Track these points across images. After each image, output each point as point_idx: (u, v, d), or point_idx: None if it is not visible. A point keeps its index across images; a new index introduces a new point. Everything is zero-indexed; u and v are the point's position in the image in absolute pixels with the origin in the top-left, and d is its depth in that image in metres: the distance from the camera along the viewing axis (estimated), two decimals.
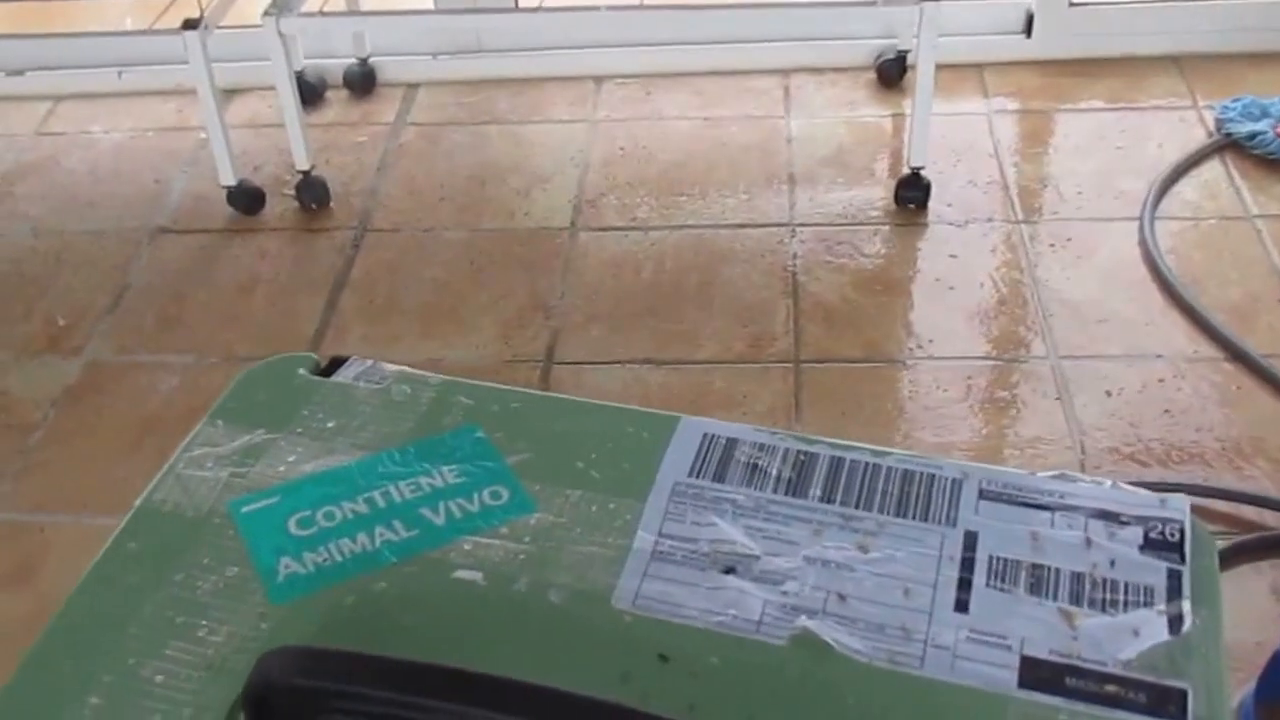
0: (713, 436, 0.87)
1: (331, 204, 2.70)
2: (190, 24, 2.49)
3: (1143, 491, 0.82)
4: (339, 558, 0.80)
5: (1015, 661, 0.73)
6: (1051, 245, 2.48)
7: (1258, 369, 2.21)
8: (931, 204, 2.59)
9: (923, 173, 2.57)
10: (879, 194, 2.62)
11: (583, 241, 2.56)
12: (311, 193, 2.66)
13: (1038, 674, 0.72)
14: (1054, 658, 0.73)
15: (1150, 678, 0.72)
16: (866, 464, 0.84)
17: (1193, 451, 2.07)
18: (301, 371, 0.94)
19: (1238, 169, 2.65)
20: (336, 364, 0.94)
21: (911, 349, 2.27)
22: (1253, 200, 2.57)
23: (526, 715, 0.62)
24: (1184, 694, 0.71)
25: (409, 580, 0.79)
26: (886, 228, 2.55)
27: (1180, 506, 0.80)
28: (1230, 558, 1.91)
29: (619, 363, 2.27)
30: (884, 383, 2.21)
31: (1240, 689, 1.70)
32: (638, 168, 2.74)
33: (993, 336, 2.28)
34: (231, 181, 2.65)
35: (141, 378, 2.33)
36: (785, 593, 0.77)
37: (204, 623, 0.76)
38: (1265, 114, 2.68)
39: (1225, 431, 2.11)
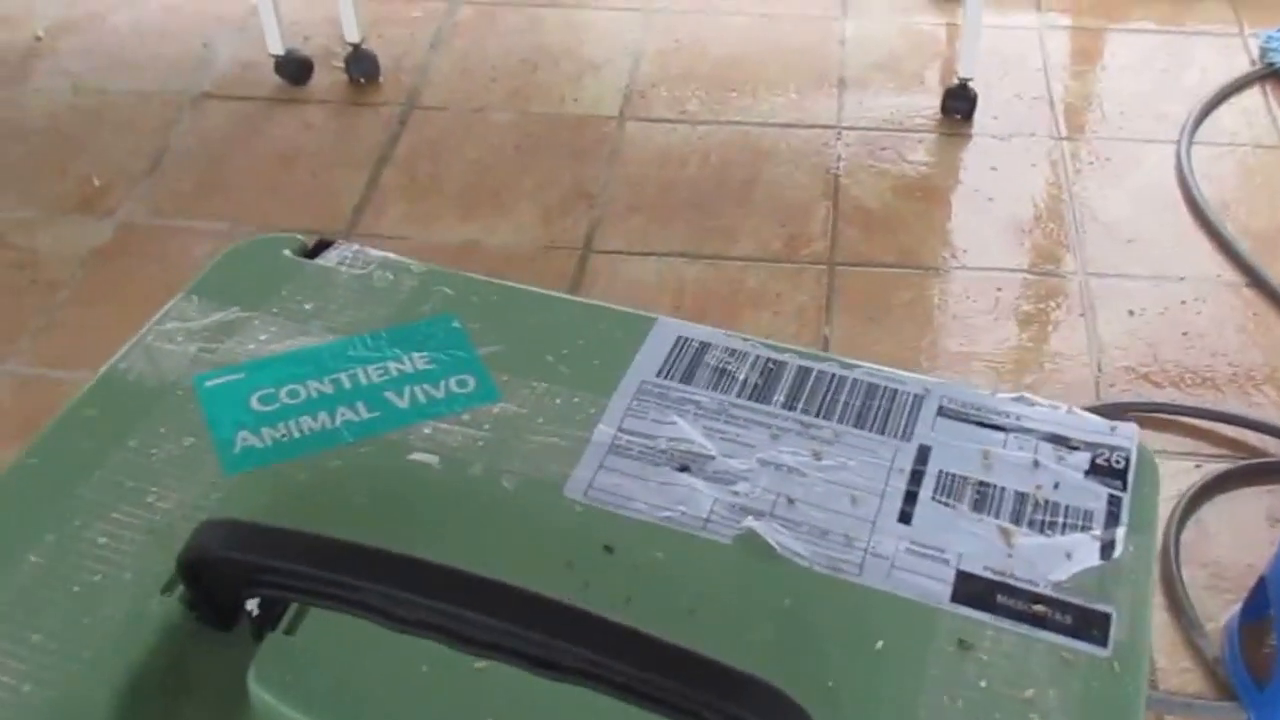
0: (686, 339, 0.86)
1: (381, 79, 2.68)
2: None
3: (1095, 418, 0.81)
4: (297, 434, 0.80)
5: (950, 576, 0.73)
6: (1091, 163, 2.46)
7: (1276, 297, 2.20)
8: (977, 115, 2.57)
9: (970, 84, 2.54)
10: (927, 102, 2.60)
11: (630, 131, 2.55)
12: (360, 66, 2.65)
13: (970, 589, 0.72)
14: (988, 574, 0.73)
15: (1077, 600, 0.72)
16: (832, 375, 0.84)
17: (1205, 375, 2.07)
18: (286, 252, 0.94)
19: (1277, 99, 2.62)
20: (322, 247, 0.94)
21: (945, 258, 2.26)
22: None
23: (447, 599, 0.62)
24: (1108, 618, 0.71)
25: (364, 459, 0.79)
26: (932, 136, 2.54)
27: (1129, 435, 0.80)
28: (1231, 481, 1.93)
29: (655, 254, 2.27)
30: (915, 289, 2.21)
31: (1229, 609, 1.70)
32: (690, 61, 2.72)
33: (1026, 250, 2.27)
34: (280, 50, 2.64)
35: (174, 242, 2.34)
36: (736, 493, 0.77)
37: (154, 489, 0.76)
38: None
39: (1239, 357, 2.11)
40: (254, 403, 0.81)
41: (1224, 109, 2.59)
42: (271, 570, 0.65)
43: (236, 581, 0.66)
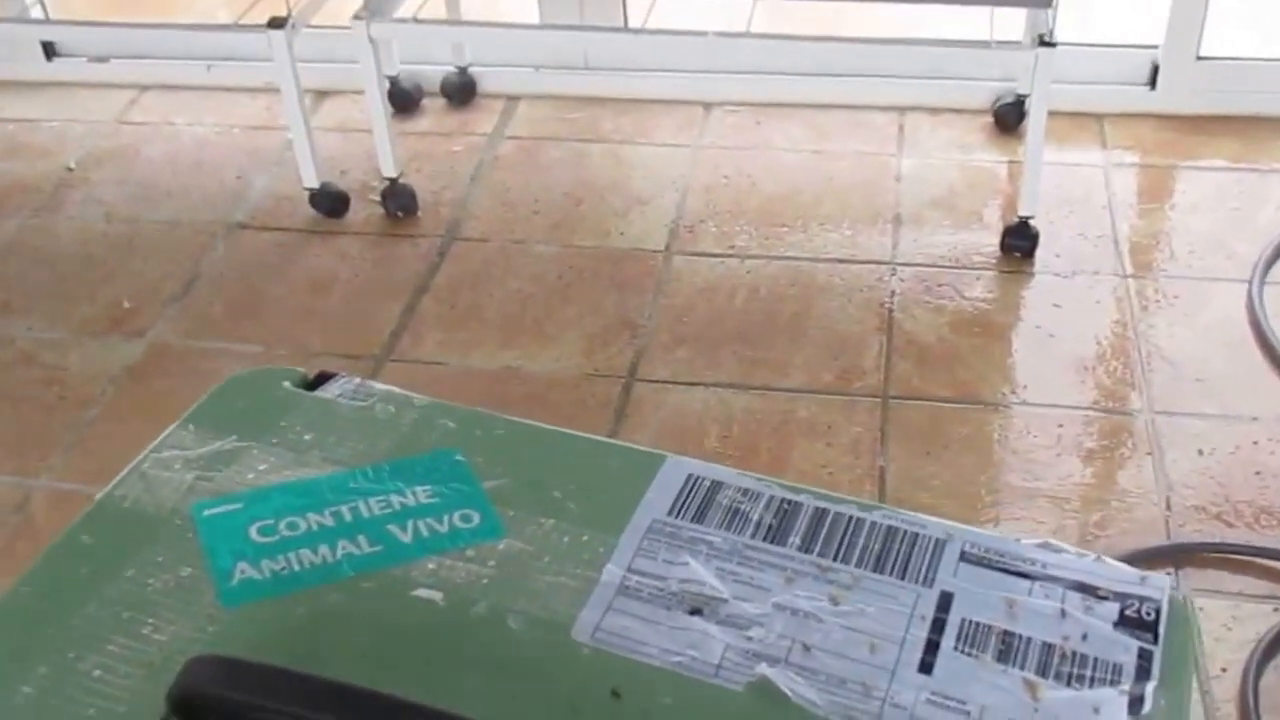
0: (697, 478, 0.87)
1: (419, 213, 2.72)
2: (276, 22, 2.51)
3: (1125, 567, 0.81)
4: (297, 567, 0.80)
5: None
6: (1158, 301, 2.46)
7: None
8: (1039, 253, 2.57)
9: (1032, 222, 2.55)
10: (986, 239, 2.61)
11: (677, 265, 2.57)
12: (398, 200, 2.69)
13: None
14: None
15: None
16: (850, 517, 0.84)
17: None
18: (285, 384, 0.95)
19: None
20: (323, 379, 0.95)
21: (1005, 393, 2.26)
22: None
23: None
24: None
25: (366, 595, 0.79)
26: (990, 274, 2.54)
27: (1159, 585, 0.79)
28: None
29: (703, 384, 2.28)
30: (973, 425, 2.21)
31: None
32: (740, 196, 2.75)
33: (1089, 387, 2.27)
34: (315, 184, 2.67)
35: (206, 363, 2.37)
36: (749, 638, 0.77)
37: (150, 621, 0.77)
38: None
39: None
40: (253, 534, 0.82)
41: None
42: (263, 710, 0.65)
43: (228, 718, 0.67)
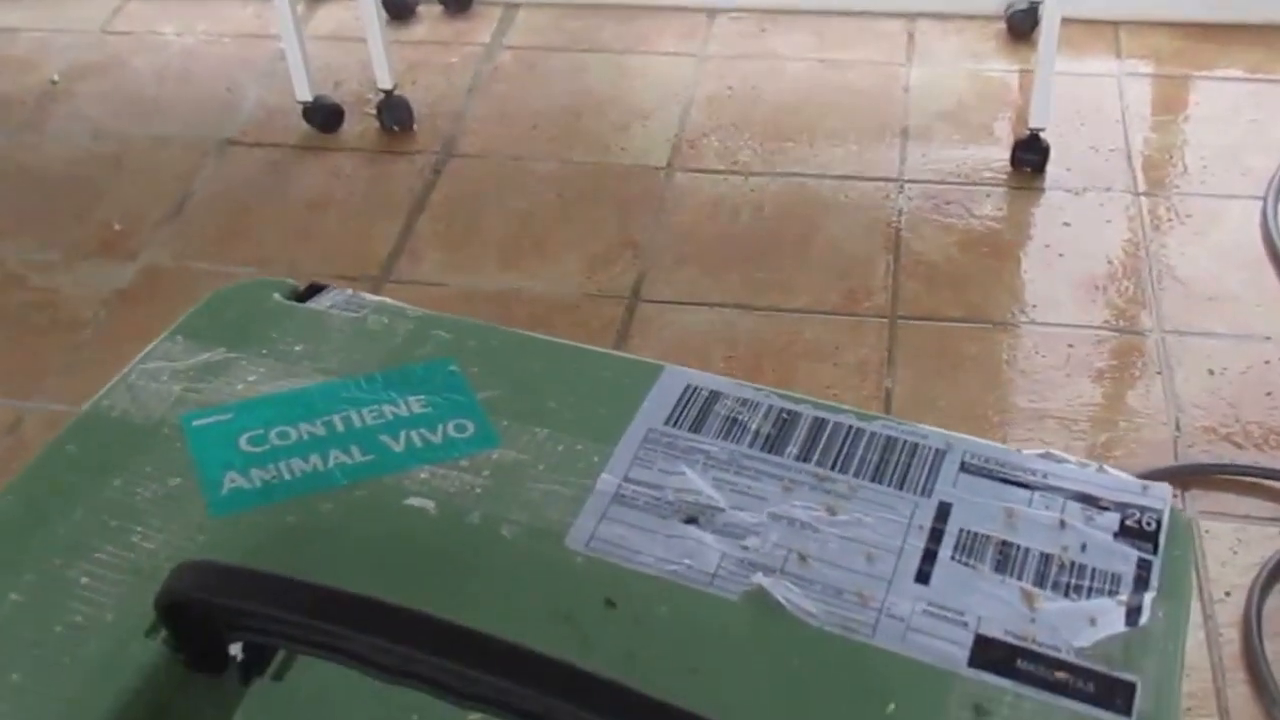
0: (695, 388, 0.87)
1: (415, 126, 2.71)
2: None
3: (1126, 477, 0.81)
4: (287, 476, 0.81)
5: (969, 639, 0.73)
6: (1170, 220, 2.46)
7: None
8: (1050, 168, 2.58)
9: (1043, 135, 2.56)
10: (996, 154, 2.61)
11: (679, 182, 2.57)
12: (393, 114, 2.68)
13: (989, 654, 0.73)
14: (1008, 638, 0.73)
15: (1101, 668, 0.72)
16: (849, 427, 0.85)
17: None
18: (276, 296, 0.95)
19: None
20: (314, 291, 0.95)
21: (1014, 313, 2.27)
22: None
23: (436, 651, 0.63)
24: (1133, 687, 0.71)
25: (357, 503, 0.80)
26: (1000, 190, 2.54)
27: (1161, 495, 0.80)
28: None
29: (707, 305, 2.29)
30: (981, 344, 2.22)
31: None
32: (744, 109, 2.74)
33: (1099, 306, 2.28)
34: (308, 96, 2.67)
35: (199, 285, 2.36)
36: (745, 548, 0.78)
37: (138, 529, 0.78)
38: None
39: None
40: (243, 444, 0.83)
41: None
42: (250, 615, 0.66)
43: (217, 625, 0.68)
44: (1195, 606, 1.84)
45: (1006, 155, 2.59)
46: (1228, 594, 1.87)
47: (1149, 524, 0.79)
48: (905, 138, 2.66)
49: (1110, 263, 2.37)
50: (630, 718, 0.61)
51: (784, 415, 0.85)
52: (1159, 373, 2.17)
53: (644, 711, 0.61)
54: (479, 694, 0.63)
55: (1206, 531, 1.95)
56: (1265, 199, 2.49)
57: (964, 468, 0.82)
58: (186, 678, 0.71)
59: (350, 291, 0.95)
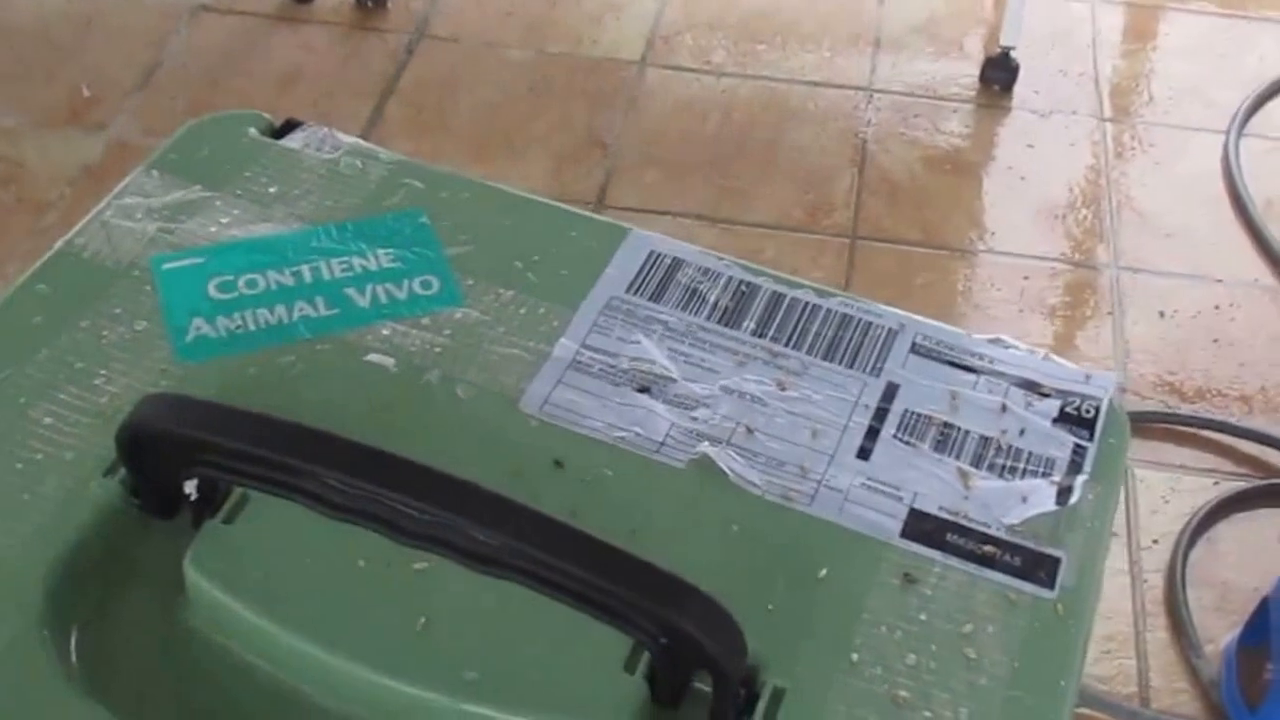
0: (659, 255, 0.89)
1: (389, 3, 2.70)
2: None
3: (1071, 365, 0.85)
4: (252, 327, 0.83)
5: (903, 513, 0.76)
6: (1133, 149, 2.48)
7: None
8: (1018, 88, 2.59)
9: (1013, 54, 2.56)
10: (966, 70, 2.62)
11: (650, 79, 2.57)
12: None
13: (921, 526, 0.76)
14: (942, 513, 0.77)
15: (1029, 543, 0.76)
16: (806, 303, 0.87)
17: (1234, 387, 2.10)
18: (251, 131, 0.97)
19: None
20: (289, 127, 0.97)
21: (972, 239, 2.29)
22: None
23: (389, 486, 0.66)
24: (1057, 562, 0.75)
25: (318, 357, 0.82)
26: (968, 107, 2.56)
27: (1104, 384, 0.83)
28: (1248, 501, 1.96)
29: (670, 214, 2.30)
30: (938, 271, 2.23)
31: (1230, 632, 1.74)
32: (720, 8, 2.74)
33: (1057, 236, 2.30)
34: None
35: None
36: (695, 418, 0.80)
37: (102, 372, 0.80)
38: None
39: (1270, 371, 2.13)
40: (211, 290, 0.85)
41: (1278, 101, 2.61)
42: (210, 448, 0.68)
43: (175, 459, 0.70)
44: (1121, 551, 1.88)
45: (976, 72, 2.60)
46: (1155, 541, 1.90)
47: (1088, 412, 0.82)
48: (877, 47, 2.67)
49: (1071, 190, 2.39)
50: (579, 560, 0.64)
51: (743, 288, 0.88)
52: (1110, 313, 2.19)
53: (587, 552, 0.64)
54: (428, 533, 0.65)
55: (1141, 480, 1.97)
56: (1228, 133, 2.51)
57: (914, 349, 0.85)
58: (140, 519, 0.74)
59: (325, 129, 0.96)
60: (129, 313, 0.83)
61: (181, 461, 0.70)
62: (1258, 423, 2.04)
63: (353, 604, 0.71)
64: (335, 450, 0.67)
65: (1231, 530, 1.92)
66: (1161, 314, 2.19)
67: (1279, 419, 2.05)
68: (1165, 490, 1.95)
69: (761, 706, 0.68)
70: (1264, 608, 1.72)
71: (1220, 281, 2.25)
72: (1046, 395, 0.83)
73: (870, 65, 2.62)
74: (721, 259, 0.90)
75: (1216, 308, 2.21)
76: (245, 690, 0.70)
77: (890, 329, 0.86)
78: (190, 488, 0.73)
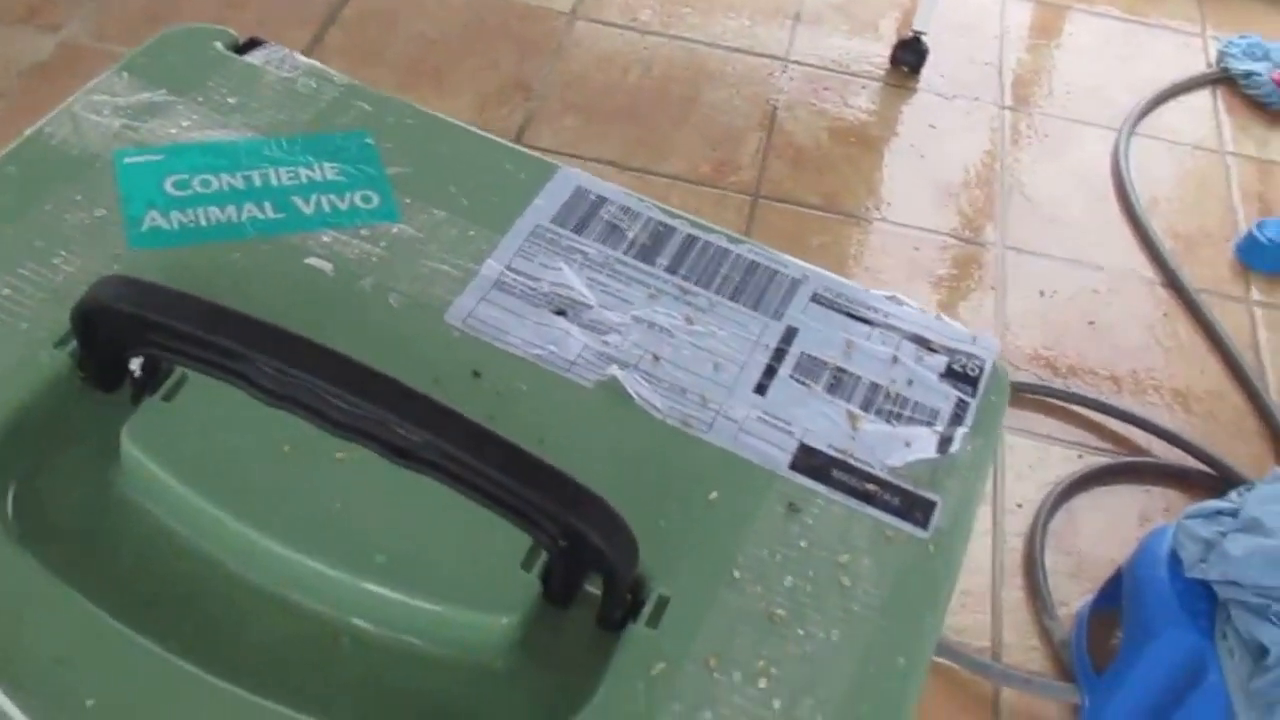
0: (585, 190, 0.92)
1: None
2: None
3: (960, 327, 0.87)
4: (203, 222, 0.85)
5: (793, 446, 0.79)
6: (1029, 137, 2.53)
7: (1188, 300, 2.28)
8: (925, 71, 2.62)
9: (924, 38, 2.60)
10: (878, 50, 2.66)
11: (579, 30, 2.59)
12: None
13: (809, 461, 0.79)
14: (829, 451, 0.79)
15: (908, 485, 0.79)
16: (718, 247, 0.90)
17: (1105, 367, 2.15)
18: (217, 45, 0.98)
19: (1226, 104, 2.70)
20: (252, 45, 0.99)
21: (868, 207, 2.32)
22: (1231, 137, 2.62)
23: (321, 375, 0.68)
24: (933, 505, 0.78)
25: (262, 256, 0.84)
26: (876, 85, 2.59)
27: (989, 346, 0.86)
28: (1110, 476, 2.01)
29: (583, 159, 2.31)
30: (834, 234, 2.26)
31: (1083, 598, 1.79)
32: None
33: (949, 212, 2.34)
34: None
35: None
36: (606, 343, 0.83)
37: (61, 252, 0.82)
38: (1266, 57, 2.72)
39: (1141, 355, 2.18)
40: (168, 186, 0.86)
41: (1172, 105, 2.66)
42: (158, 328, 0.70)
43: (124, 337, 0.72)
44: (986, 512, 1.92)
45: (887, 53, 2.64)
46: (1019, 505, 1.95)
47: (973, 370, 0.85)
48: (797, 21, 2.70)
49: (967, 170, 2.43)
50: (493, 460, 0.66)
51: (660, 228, 0.90)
52: (993, 288, 2.23)
53: (506, 456, 0.66)
54: (352, 423, 0.67)
55: (1010, 446, 2.02)
56: (1120, 131, 2.56)
57: (815, 298, 0.88)
58: (83, 391, 0.76)
59: (285, 50, 0.98)
60: (89, 200, 0.85)
61: (130, 339, 0.72)
62: (1125, 402, 2.10)
63: (275, 484, 0.73)
64: (274, 339, 0.69)
65: (1092, 502, 1.97)
66: (1042, 293, 2.24)
67: (1146, 400, 2.11)
68: (1033, 458, 2.00)
69: (646, 612, 0.71)
70: (1118, 577, 1.77)
71: (1101, 268, 2.30)
72: (935, 351, 0.86)
73: (788, 37, 2.64)
74: (642, 200, 0.92)
75: (1095, 291, 2.25)
76: (168, 556, 0.72)
77: (794, 279, 0.89)
78: (135, 365, 0.75)
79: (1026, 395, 2.11)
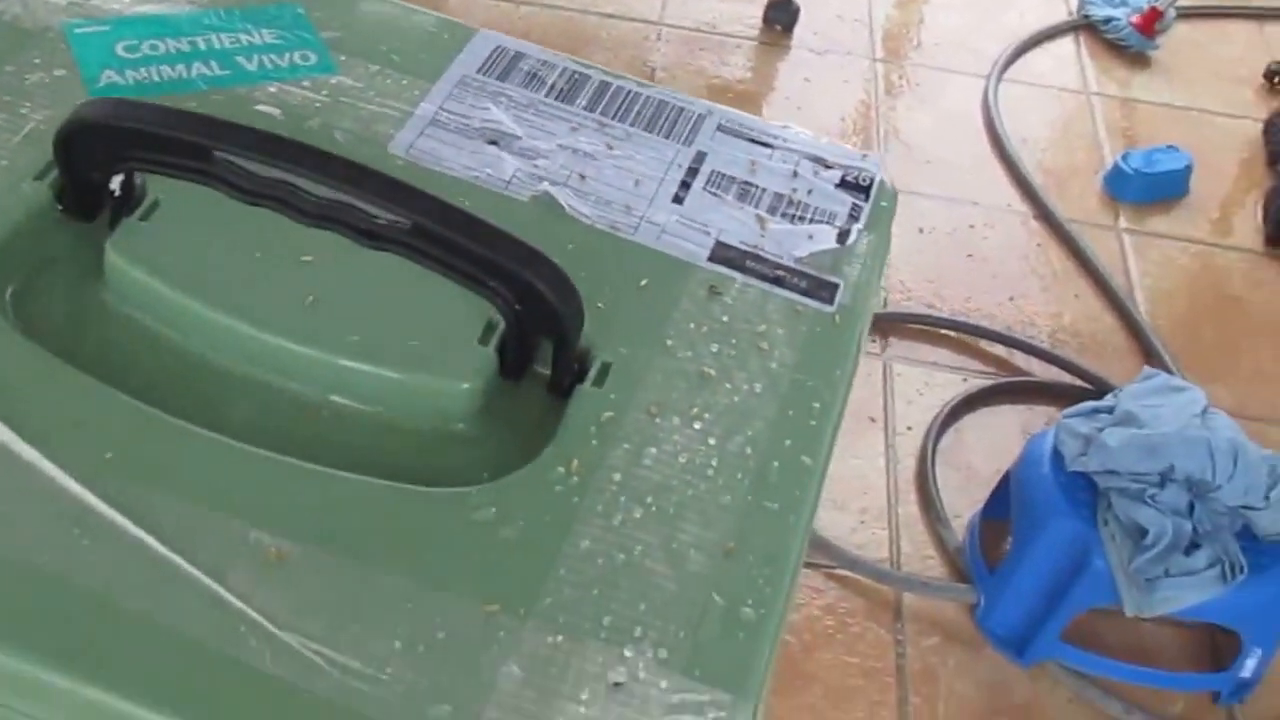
0: (504, 48, 1.03)
1: None
2: None
3: (850, 147, 1.00)
4: (157, 79, 0.95)
5: (710, 244, 0.91)
6: (901, 87, 2.67)
7: (1059, 230, 2.44)
8: (798, 30, 2.76)
9: None
10: (750, 11, 2.78)
11: (452, 5, 2.69)
12: None
13: (725, 254, 0.90)
14: (742, 246, 0.91)
15: (813, 271, 0.90)
16: (630, 90, 1.01)
17: (984, 296, 2.31)
18: None
19: (1088, 48, 2.88)
20: None
21: None
22: (1094, 79, 2.79)
23: (295, 163, 0.78)
24: (836, 286, 0.90)
25: (214, 104, 0.94)
26: (750, 44, 2.72)
27: (876, 162, 0.98)
28: (993, 396, 2.17)
29: None
30: None
31: (974, 508, 1.93)
32: None
33: None
34: None
35: None
36: (537, 166, 0.94)
37: (27, 104, 0.91)
38: (1124, 3, 2.89)
39: (1018, 283, 2.34)
40: (119, 50, 0.96)
41: (1036, 52, 2.83)
42: (142, 137, 0.80)
43: (109, 153, 0.82)
44: (879, 436, 2.07)
45: (760, 14, 2.76)
46: (909, 428, 2.10)
47: (864, 180, 0.97)
48: None
49: (843, 120, 2.56)
50: (459, 229, 0.77)
51: (577, 76, 1.02)
52: None
53: (470, 225, 0.77)
54: (325, 213, 0.78)
55: (898, 374, 2.17)
56: (989, 78, 2.71)
57: (720, 128, 0.99)
58: (64, 221, 0.86)
59: None
60: (47, 63, 0.94)
61: (112, 155, 0.82)
62: (1004, 326, 2.23)
63: (250, 282, 0.83)
64: (252, 135, 0.80)
65: (977, 421, 2.12)
66: (921, 230, 2.38)
67: (1024, 325, 2.25)
68: (920, 384, 2.14)
69: (592, 374, 0.82)
70: (1005, 486, 1.91)
71: (976, 204, 2.46)
72: (830, 167, 0.98)
73: (661, 2, 2.76)
74: (558, 55, 1.03)
75: (971, 227, 2.40)
76: (158, 354, 0.82)
77: (700, 113, 1.00)
78: (115, 184, 0.84)
79: (911, 325, 2.25)
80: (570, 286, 0.78)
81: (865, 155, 0.99)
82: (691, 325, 0.86)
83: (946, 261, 2.37)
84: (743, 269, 0.90)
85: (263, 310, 0.82)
